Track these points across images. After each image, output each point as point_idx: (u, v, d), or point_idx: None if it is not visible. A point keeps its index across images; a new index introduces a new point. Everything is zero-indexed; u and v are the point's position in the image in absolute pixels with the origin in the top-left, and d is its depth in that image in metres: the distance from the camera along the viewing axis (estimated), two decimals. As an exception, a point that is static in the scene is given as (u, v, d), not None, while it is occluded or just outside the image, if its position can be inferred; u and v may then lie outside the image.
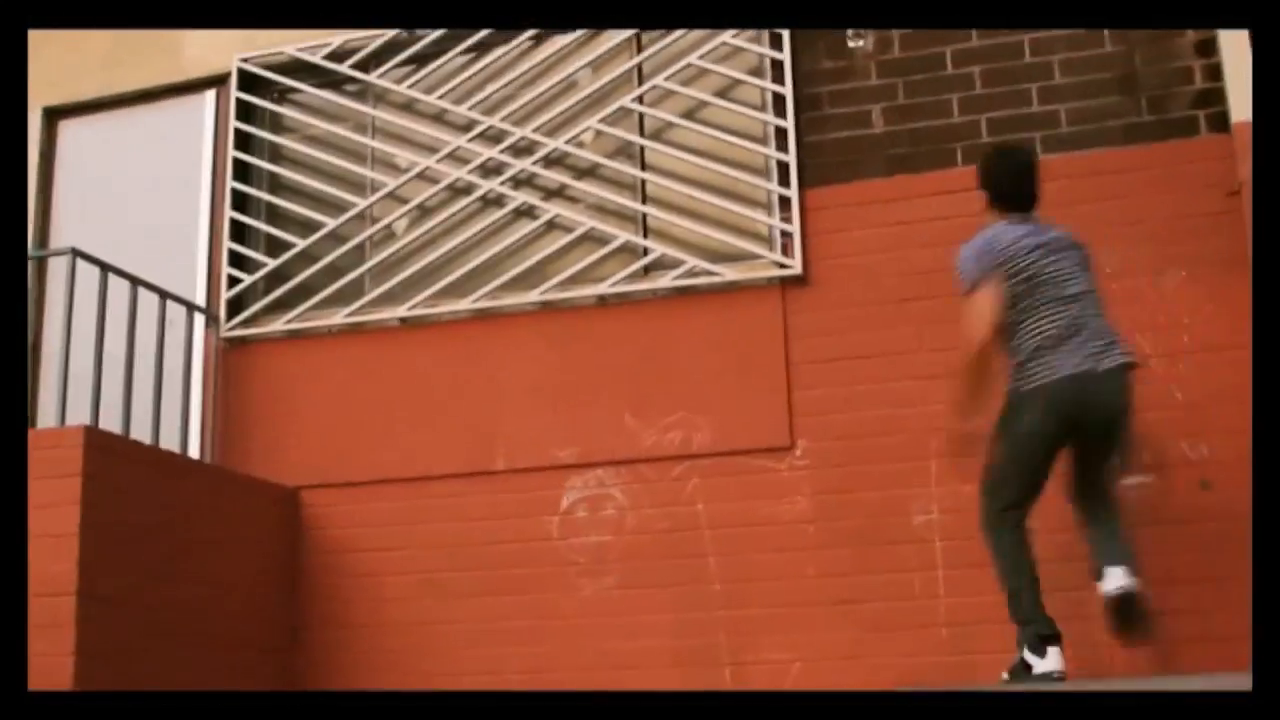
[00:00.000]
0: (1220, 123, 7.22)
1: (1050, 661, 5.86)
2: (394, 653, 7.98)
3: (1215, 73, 7.30)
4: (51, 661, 6.63)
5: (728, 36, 8.09)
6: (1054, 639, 5.90)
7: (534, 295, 8.13)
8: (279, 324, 8.57)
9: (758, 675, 7.35)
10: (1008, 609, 6.00)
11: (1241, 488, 6.38)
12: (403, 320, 8.37)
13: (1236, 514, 6.55)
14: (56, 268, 8.81)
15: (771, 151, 7.92)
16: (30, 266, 9.08)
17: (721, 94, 8.14)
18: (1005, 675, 5.99)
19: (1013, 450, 6.06)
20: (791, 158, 7.83)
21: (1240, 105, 7.00)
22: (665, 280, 7.94)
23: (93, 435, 6.97)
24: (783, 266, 7.72)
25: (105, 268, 7.85)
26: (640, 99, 8.24)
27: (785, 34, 7.98)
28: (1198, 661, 6.61)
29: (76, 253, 7.70)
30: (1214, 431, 6.96)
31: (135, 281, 8.05)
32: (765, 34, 8.08)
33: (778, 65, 8.01)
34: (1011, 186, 6.36)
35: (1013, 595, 6.00)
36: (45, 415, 8.74)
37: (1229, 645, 6.43)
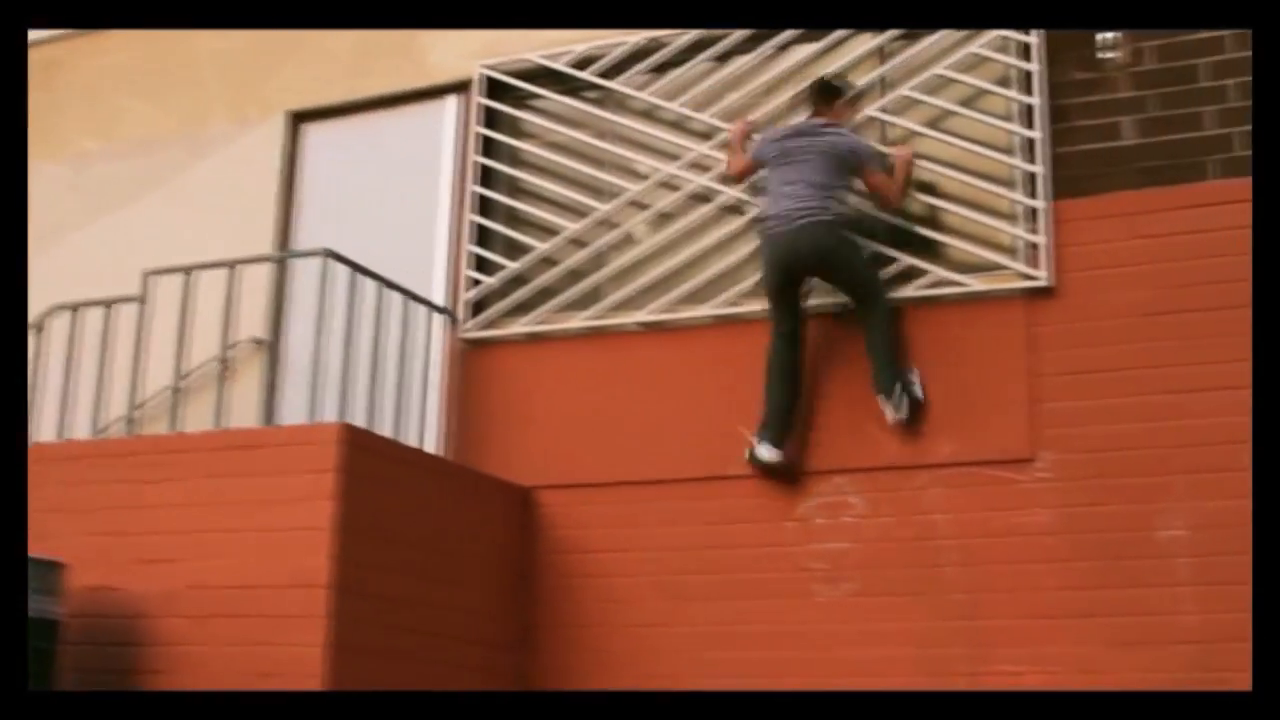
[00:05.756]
0: None
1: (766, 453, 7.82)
2: (625, 654, 8.03)
3: None
4: (304, 652, 6.81)
5: (975, 47, 8.04)
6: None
7: (775, 302, 8.15)
8: (518, 326, 8.70)
9: (993, 687, 7.27)
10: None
11: None
12: (643, 325, 8.45)
13: None
14: (302, 268, 9.02)
15: (1019, 162, 7.84)
16: (276, 267, 9.32)
17: (966, 104, 8.09)
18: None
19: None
20: (1040, 169, 7.72)
21: None
22: (908, 290, 7.90)
23: (348, 432, 7.12)
24: (1028, 278, 7.65)
25: (356, 269, 8.03)
26: (884, 108, 8.23)
27: (1034, 44, 7.90)
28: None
29: (329, 254, 7.89)
30: None
31: (384, 283, 8.22)
32: (1013, 44, 8.00)
33: (1026, 76, 7.91)
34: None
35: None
36: (289, 413, 8.95)
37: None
